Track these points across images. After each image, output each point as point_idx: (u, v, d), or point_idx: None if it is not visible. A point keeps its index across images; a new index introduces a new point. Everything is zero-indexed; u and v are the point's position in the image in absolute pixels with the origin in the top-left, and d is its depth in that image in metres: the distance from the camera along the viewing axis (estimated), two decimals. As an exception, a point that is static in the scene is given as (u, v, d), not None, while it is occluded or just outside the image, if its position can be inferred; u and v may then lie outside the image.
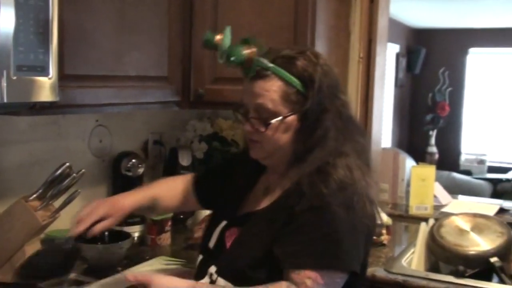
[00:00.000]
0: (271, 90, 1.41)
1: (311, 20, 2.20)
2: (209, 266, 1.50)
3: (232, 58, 1.41)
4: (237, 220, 1.54)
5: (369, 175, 1.45)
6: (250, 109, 1.45)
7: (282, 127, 1.42)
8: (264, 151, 1.48)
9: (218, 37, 1.45)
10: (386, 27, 2.79)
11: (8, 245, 1.75)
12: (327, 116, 1.41)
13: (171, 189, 1.81)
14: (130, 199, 1.71)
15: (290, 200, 1.40)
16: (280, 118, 1.41)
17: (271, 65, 1.40)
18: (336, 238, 1.35)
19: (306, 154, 1.41)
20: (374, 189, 1.52)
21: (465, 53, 7.64)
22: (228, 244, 1.51)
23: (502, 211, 2.86)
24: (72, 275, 1.91)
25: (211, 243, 1.56)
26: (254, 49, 1.42)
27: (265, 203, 1.51)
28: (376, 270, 2.04)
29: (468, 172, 6.98)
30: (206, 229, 1.65)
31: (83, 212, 1.61)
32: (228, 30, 1.45)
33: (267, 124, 1.42)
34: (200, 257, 1.59)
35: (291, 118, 1.42)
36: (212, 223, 1.63)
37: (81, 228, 1.58)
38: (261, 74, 1.41)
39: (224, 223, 1.56)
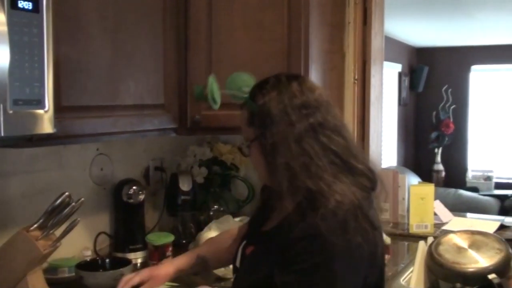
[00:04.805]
0: (243, 117, 1.54)
1: (305, 45, 2.24)
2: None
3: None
4: (252, 238, 1.61)
5: (365, 196, 1.44)
6: None
7: (254, 150, 1.52)
8: (258, 174, 1.57)
9: (206, 90, 1.61)
10: (381, 48, 2.84)
11: (11, 275, 1.78)
12: (288, 139, 1.43)
13: (220, 242, 1.91)
14: (168, 268, 1.85)
15: (285, 229, 1.41)
16: (249, 142, 1.52)
17: (242, 95, 1.53)
18: (329, 267, 1.35)
19: (276, 178, 1.45)
20: (374, 209, 1.52)
21: (467, 70, 7.67)
22: None
23: (503, 227, 2.87)
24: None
25: (237, 262, 1.63)
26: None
27: (271, 224, 1.56)
28: (375, 290, 2.05)
29: (475, 189, 6.96)
30: (235, 250, 1.72)
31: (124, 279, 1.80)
32: (210, 79, 1.59)
33: (247, 147, 1.54)
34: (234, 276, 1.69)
35: (257, 141, 1.50)
36: (238, 242, 1.69)
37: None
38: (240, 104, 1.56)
39: (244, 242, 1.63)
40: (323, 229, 1.34)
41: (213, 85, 1.56)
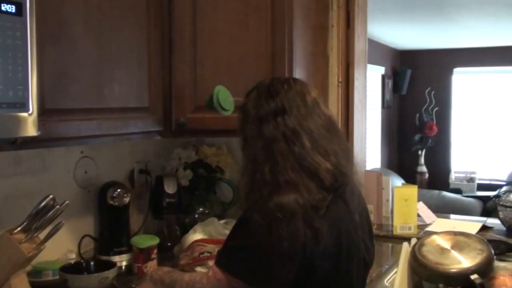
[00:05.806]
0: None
1: (288, 48, 2.25)
2: None
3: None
4: None
5: (322, 196, 1.49)
6: None
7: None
8: None
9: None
10: (364, 51, 2.86)
11: (-6, 278, 1.78)
12: (257, 136, 1.54)
13: None
14: None
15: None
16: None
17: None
18: (250, 253, 1.46)
19: (243, 175, 1.58)
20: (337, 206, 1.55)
21: (450, 72, 7.74)
22: None
23: (485, 228, 2.90)
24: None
25: None
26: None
27: None
28: (359, 291, 2.06)
29: (458, 191, 7.00)
30: None
31: None
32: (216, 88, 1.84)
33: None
34: None
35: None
36: None
37: None
38: None
39: None
40: (251, 215, 1.46)
41: (218, 94, 1.78)
